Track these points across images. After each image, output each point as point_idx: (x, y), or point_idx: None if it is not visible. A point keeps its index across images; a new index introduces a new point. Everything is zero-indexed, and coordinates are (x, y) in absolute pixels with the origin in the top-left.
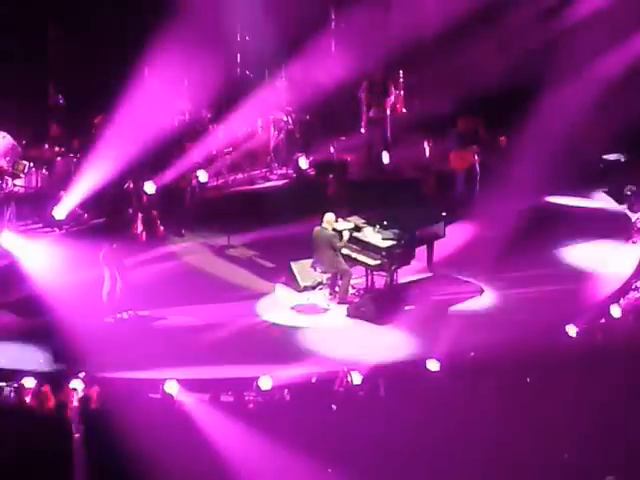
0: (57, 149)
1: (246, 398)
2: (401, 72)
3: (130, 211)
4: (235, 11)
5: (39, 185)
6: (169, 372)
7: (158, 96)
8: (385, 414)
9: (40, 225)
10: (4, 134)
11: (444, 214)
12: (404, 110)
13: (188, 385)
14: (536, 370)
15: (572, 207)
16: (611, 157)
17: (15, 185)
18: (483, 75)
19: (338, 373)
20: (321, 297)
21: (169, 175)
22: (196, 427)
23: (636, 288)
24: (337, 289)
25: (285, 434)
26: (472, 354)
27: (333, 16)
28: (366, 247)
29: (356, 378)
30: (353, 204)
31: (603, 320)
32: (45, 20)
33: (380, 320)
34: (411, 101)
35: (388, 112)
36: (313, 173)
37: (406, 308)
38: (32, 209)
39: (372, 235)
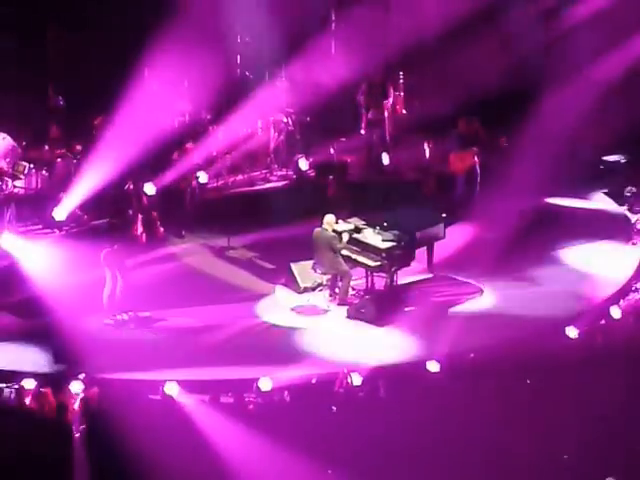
0: (57, 150)
1: (246, 399)
2: (401, 73)
3: (130, 212)
4: (235, 12)
5: (39, 186)
6: (169, 373)
7: (158, 97)
8: (385, 415)
9: (40, 226)
10: (4, 135)
11: (444, 215)
12: (404, 111)
13: (188, 386)
14: (536, 371)
15: (572, 208)
16: (611, 158)
17: (15, 186)
18: (483, 76)
19: (338, 374)
20: (321, 298)
21: (169, 176)
22: (196, 428)
23: (636, 289)
24: (337, 290)
25: (285, 435)
26: (472, 355)
27: (333, 17)
28: (366, 248)
29: (356, 379)
30: (353, 205)
31: (603, 321)
32: (45, 21)
33: (380, 321)
34: (411, 102)
35: (386, 114)
36: (313, 174)
37: (406, 309)
38: (32, 210)
39: (372, 236)
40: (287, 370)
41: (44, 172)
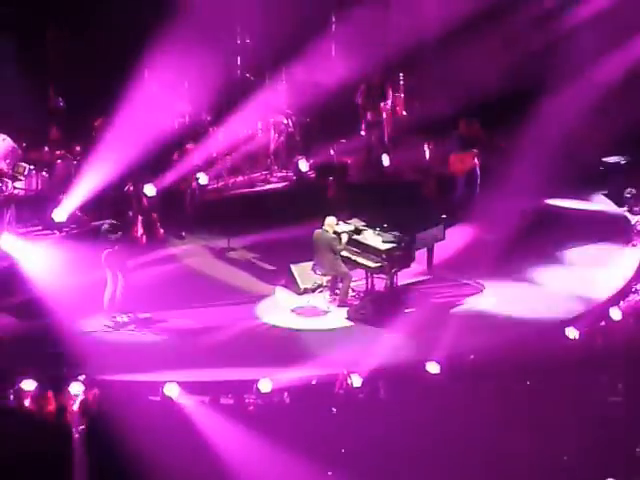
0: (57, 152)
1: (246, 401)
2: (401, 75)
3: (130, 214)
4: (235, 14)
5: (39, 188)
6: (169, 374)
7: (158, 98)
8: (385, 417)
9: (40, 227)
10: (4, 136)
11: (444, 216)
12: (404, 113)
13: (188, 388)
14: (536, 373)
15: (572, 209)
16: (611, 160)
17: (15, 188)
18: (484, 77)
19: (338, 376)
20: (321, 300)
21: (169, 178)
22: (196, 430)
23: (636, 291)
24: (337, 292)
25: (285, 437)
26: (472, 356)
27: (333, 19)
28: (366, 250)
29: (356, 381)
30: (353, 207)
31: (603, 323)
32: (45, 22)
33: (380, 323)
34: (411, 103)
35: (385, 115)
36: (313, 176)
37: (406, 311)
38: (32, 212)
39: (372, 238)
40: (287, 371)
41: (44, 173)
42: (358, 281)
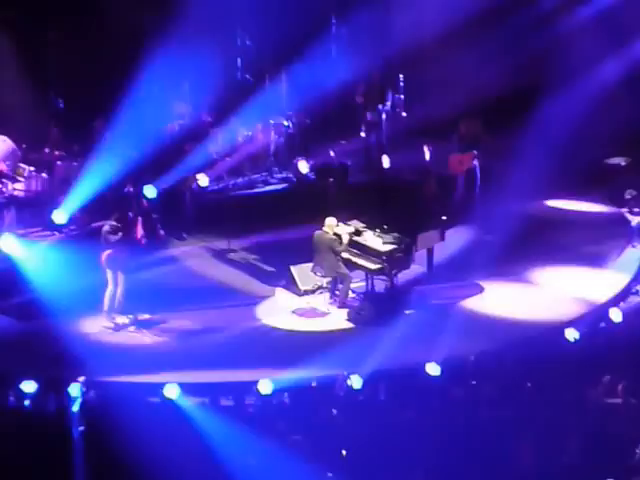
0: (57, 153)
1: (246, 402)
2: (401, 76)
3: (131, 215)
4: (235, 15)
5: (39, 189)
6: (169, 376)
7: (158, 100)
8: (385, 418)
9: (40, 229)
10: (4, 138)
11: (444, 218)
12: (404, 114)
13: (188, 389)
14: (536, 374)
15: (572, 211)
16: (612, 161)
17: (15, 189)
18: (484, 78)
19: (338, 377)
20: (321, 301)
21: (169, 179)
22: (196, 431)
23: (636, 292)
24: (337, 293)
25: (285, 438)
26: (472, 358)
27: (333, 20)
28: (366, 251)
29: (356, 382)
30: (353, 208)
31: (603, 324)
32: (45, 23)
33: (380, 324)
34: (411, 105)
35: (384, 116)
36: (313, 177)
37: (406, 312)
38: (32, 213)
39: (372, 239)
40: (287, 373)
41: (44, 175)
42: (358, 282)
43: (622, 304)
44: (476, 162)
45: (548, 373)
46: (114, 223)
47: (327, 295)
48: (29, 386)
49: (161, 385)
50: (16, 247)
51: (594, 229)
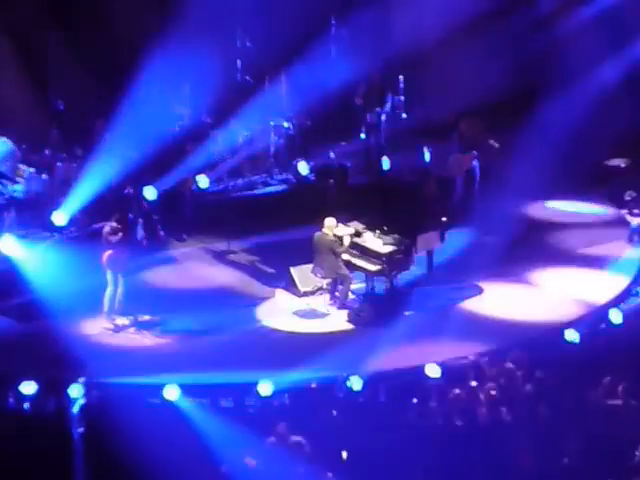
0: (57, 154)
1: (246, 403)
2: (401, 77)
3: (131, 216)
4: (235, 16)
5: (39, 190)
6: (169, 377)
7: (158, 101)
8: (385, 419)
9: (40, 230)
10: (5, 139)
11: (444, 219)
12: (404, 115)
13: (188, 390)
14: (536, 375)
15: (572, 212)
16: (611, 162)
17: (15, 190)
18: (484, 79)
19: (338, 378)
20: (321, 302)
21: (170, 180)
22: (195, 432)
23: (636, 293)
24: (337, 294)
25: (284, 439)
26: (472, 359)
27: (333, 21)
28: (366, 252)
29: (356, 383)
30: (353, 209)
31: (603, 325)
32: (45, 24)
33: (380, 325)
34: (411, 106)
35: (384, 118)
36: (313, 178)
37: (406, 313)
38: (32, 214)
39: (372, 240)
40: (287, 374)
41: (44, 176)
42: (358, 283)
43: (622, 305)
44: (476, 163)
45: (548, 374)
46: (114, 224)
47: (327, 296)
48: (29, 387)
49: (161, 386)
50: (16, 248)
51: (594, 230)
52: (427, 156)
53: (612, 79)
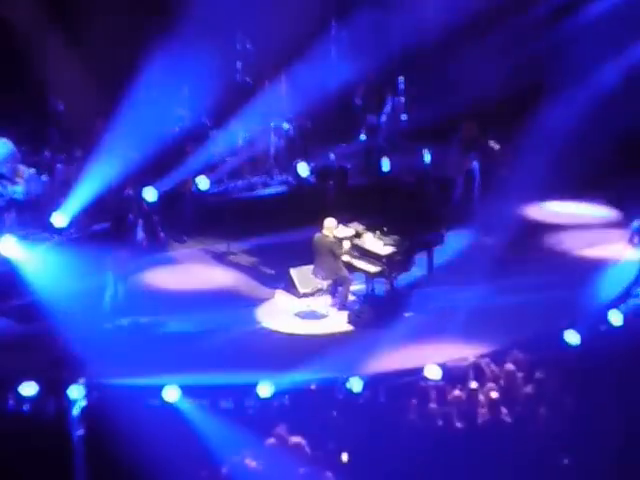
0: (57, 155)
1: (246, 404)
2: (401, 78)
3: (131, 217)
4: (236, 18)
5: (39, 191)
6: (169, 378)
7: (158, 102)
8: (385, 421)
9: (40, 231)
10: (4, 140)
11: (444, 220)
12: (404, 116)
13: (187, 391)
14: (536, 376)
15: (572, 213)
16: (611, 164)
17: (15, 191)
18: (484, 81)
19: (338, 380)
20: (321, 304)
21: (170, 181)
22: (195, 433)
23: (636, 295)
24: (337, 295)
25: (284, 440)
26: (472, 360)
27: (333, 23)
28: (366, 254)
29: (356, 385)
30: (353, 211)
31: (603, 327)
32: (45, 25)
33: (380, 327)
34: (411, 107)
35: (384, 119)
36: (313, 180)
37: (406, 315)
38: (32, 215)
39: (372, 242)
40: (287, 375)
41: (44, 177)
42: (358, 285)
43: (622, 307)
44: (476, 164)
45: (548, 377)
46: (114, 225)
47: (327, 298)
48: (29, 388)
49: (161, 387)
50: (16, 249)
51: (593, 231)
52: (427, 157)
53: (613, 80)
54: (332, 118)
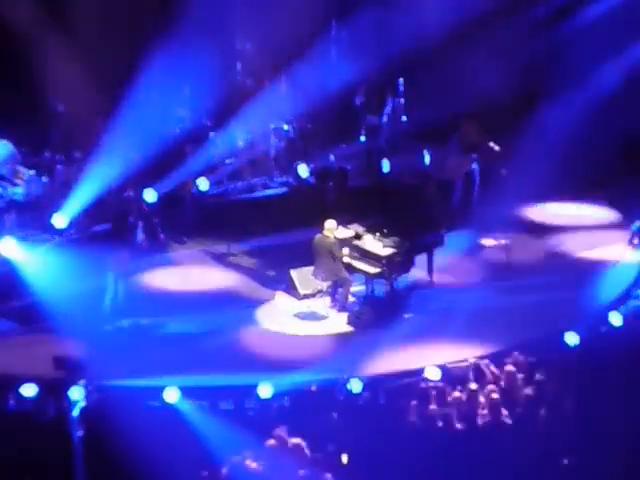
0: (57, 156)
1: (246, 406)
2: (401, 80)
3: (131, 218)
4: (236, 18)
5: (39, 193)
6: (169, 379)
7: (158, 104)
8: (385, 422)
9: (40, 232)
10: (5, 141)
11: (444, 221)
12: (404, 118)
13: (188, 392)
14: (536, 378)
15: (572, 215)
16: (611, 165)
17: (15, 193)
18: (484, 82)
19: (338, 381)
20: (321, 305)
21: (170, 183)
22: (195, 435)
23: (636, 296)
24: (337, 297)
25: (284, 442)
26: (472, 361)
27: (334, 24)
28: (366, 255)
29: (356, 386)
30: (353, 212)
31: (603, 328)
32: (45, 25)
33: (380, 328)
34: (412, 109)
35: (384, 120)
36: (313, 181)
37: (406, 316)
38: (32, 216)
39: (372, 243)
40: (287, 376)
41: (44, 178)
42: (358, 286)
43: (622, 308)
44: (476, 165)
45: (548, 378)
46: (115, 226)
47: (327, 299)
48: (29, 390)
49: (161, 389)
50: (16, 251)
51: (593, 233)
52: (427, 159)
53: (613, 81)
54: (332, 119)
